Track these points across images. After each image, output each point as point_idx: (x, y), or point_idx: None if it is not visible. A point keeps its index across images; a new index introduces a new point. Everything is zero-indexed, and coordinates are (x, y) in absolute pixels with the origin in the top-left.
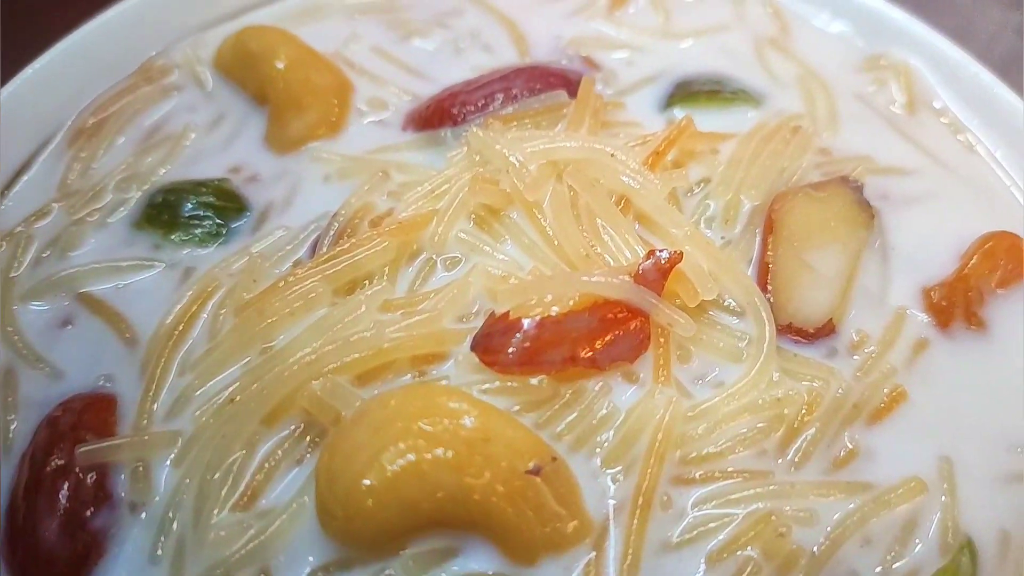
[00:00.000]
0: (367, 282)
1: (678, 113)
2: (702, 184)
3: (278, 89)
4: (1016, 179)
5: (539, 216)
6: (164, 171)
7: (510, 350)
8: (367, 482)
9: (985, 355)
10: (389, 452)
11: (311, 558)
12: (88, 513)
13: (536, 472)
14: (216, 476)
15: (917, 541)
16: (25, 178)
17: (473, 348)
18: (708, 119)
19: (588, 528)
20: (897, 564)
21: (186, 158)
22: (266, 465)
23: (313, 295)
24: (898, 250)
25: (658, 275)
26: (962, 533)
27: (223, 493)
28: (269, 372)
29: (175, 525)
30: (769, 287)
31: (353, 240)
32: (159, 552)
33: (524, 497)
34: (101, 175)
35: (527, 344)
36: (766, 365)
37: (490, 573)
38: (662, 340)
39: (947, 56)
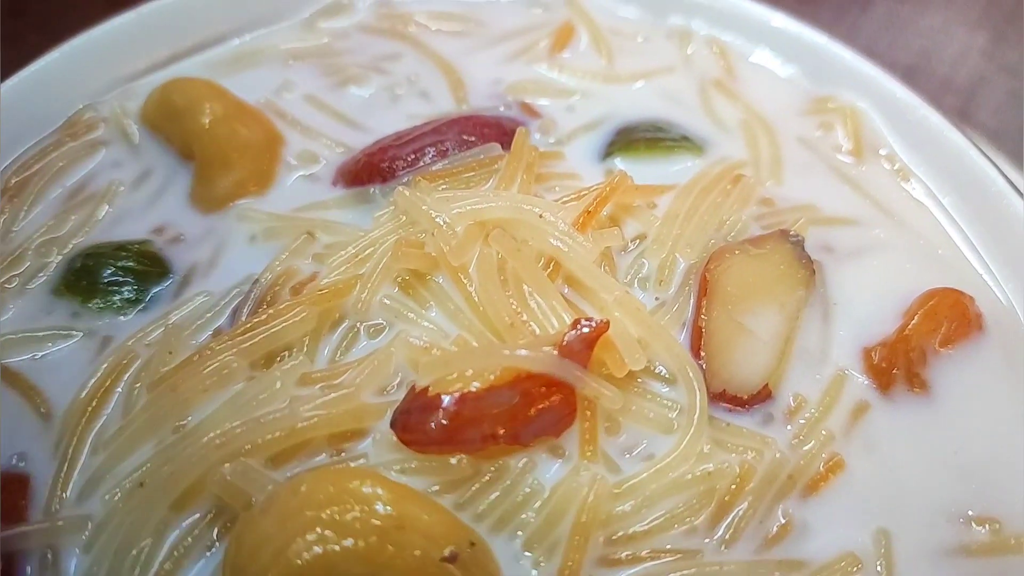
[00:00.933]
0: (286, 353)
1: (619, 163)
2: (637, 241)
3: (204, 145)
4: (964, 229)
5: (465, 281)
6: (86, 233)
7: (429, 428)
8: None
9: (927, 420)
10: (296, 544)
11: None
12: None
13: (452, 559)
14: (124, 566)
15: None
16: None
17: (392, 426)
18: (649, 169)
19: None
20: None
21: (110, 218)
22: (175, 553)
23: (227, 371)
24: (840, 306)
25: (583, 346)
26: None
27: None
28: (179, 454)
29: None
30: (702, 352)
31: (272, 310)
32: None
33: None
34: (22, 239)
35: (446, 422)
36: (696, 437)
37: None
38: (588, 413)
39: (896, 98)
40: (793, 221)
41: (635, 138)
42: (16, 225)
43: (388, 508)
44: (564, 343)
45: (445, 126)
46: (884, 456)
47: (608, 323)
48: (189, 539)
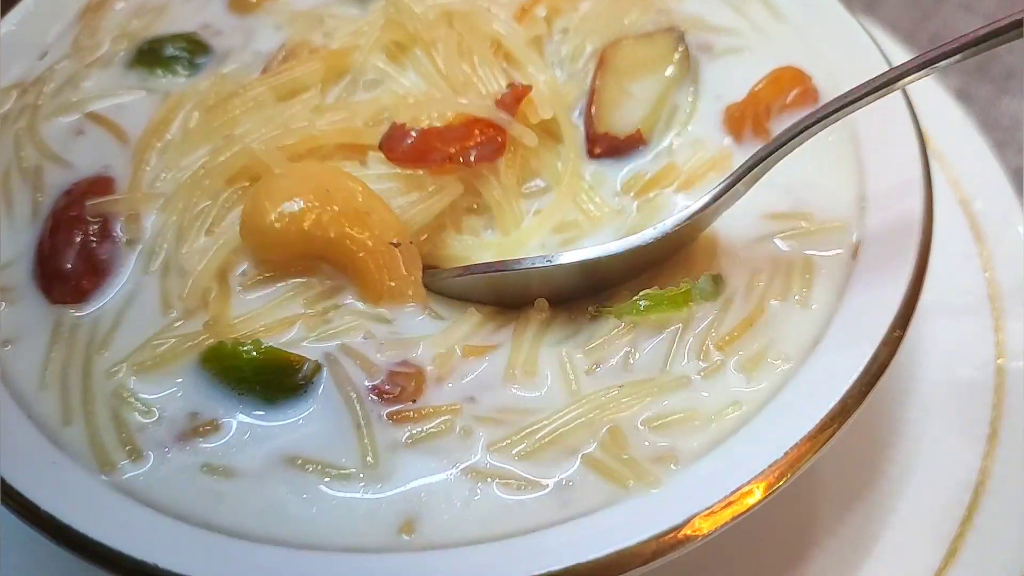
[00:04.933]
0: (304, 92)
1: None
2: (562, 33)
3: None
4: (815, 49)
5: (434, 53)
6: (150, 29)
7: (405, 147)
8: (281, 212)
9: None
10: (301, 197)
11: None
12: (95, 244)
13: (396, 245)
14: (188, 217)
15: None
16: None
17: (380, 147)
18: None
19: (420, 297)
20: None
21: (167, 20)
22: (225, 204)
23: (262, 99)
24: (709, 85)
25: (513, 100)
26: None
27: (196, 226)
28: (230, 148)
29: (163, 251)
30: (593, 106)
31: (293, 62)
32: (152, 268)
33: (383, 257)
34: (102, 33)
35: (416, 144)
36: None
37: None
38: (513, 148)
39: None
40: (681, 23)
41: None
42: (99, 26)
43: (364, 200)
44: (500, 98)
45: None
46: None
47: (530, 87)
48: (234, 197)
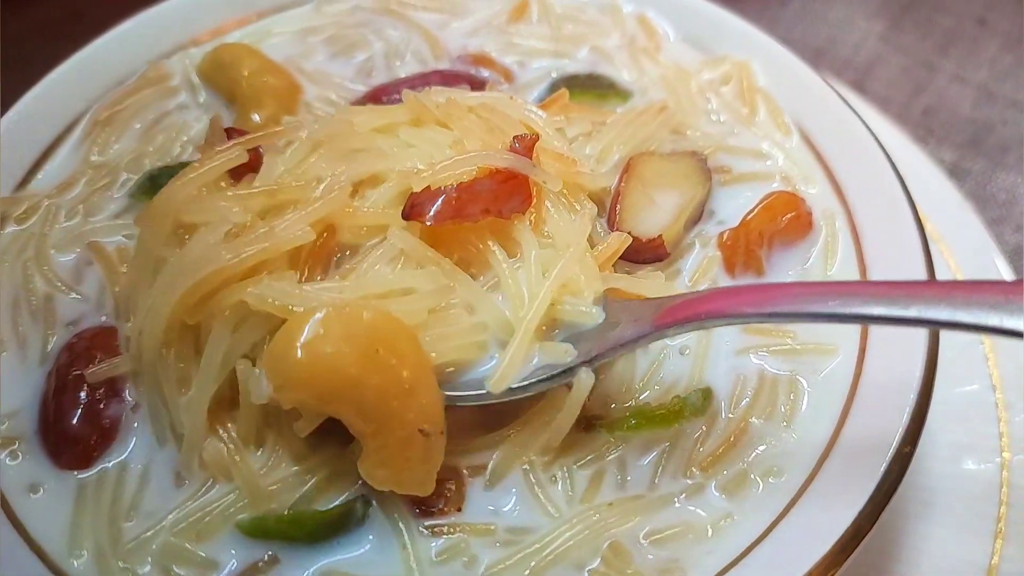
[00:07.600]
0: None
1: None
2: (583, 136)
3: (243, 90)
4: (827, 161)
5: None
6: (160, 154)
7: (440, 208)
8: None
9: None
10: (351, 358)
11: None
12: (101, 406)
13: (425, 434)
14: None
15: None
16: (53, 161)
17: (404, 217)
18: None
19: (428, 489)
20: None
21: (180, 145)
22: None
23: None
24: (718, 208)
25: (525, 151)
26: (704, 383)
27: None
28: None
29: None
30: (618, 207)
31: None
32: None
33: (408, 442)
34: (115, 156)
35: (451, 202)
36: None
37: None
38: (536, 197)
39: (779, 57)
40: (702, 148)
41: (574, 83)
42: (111, 146)
43: (411, 374)
44: (511, 147)
45: (429, 74)
46: None
47: (538, 135)
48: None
